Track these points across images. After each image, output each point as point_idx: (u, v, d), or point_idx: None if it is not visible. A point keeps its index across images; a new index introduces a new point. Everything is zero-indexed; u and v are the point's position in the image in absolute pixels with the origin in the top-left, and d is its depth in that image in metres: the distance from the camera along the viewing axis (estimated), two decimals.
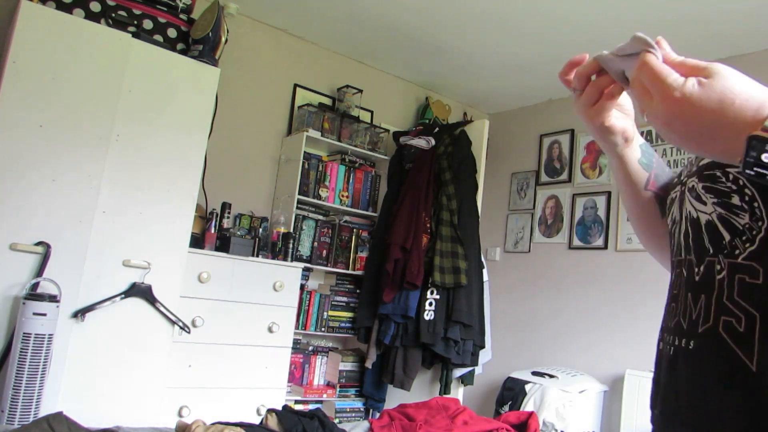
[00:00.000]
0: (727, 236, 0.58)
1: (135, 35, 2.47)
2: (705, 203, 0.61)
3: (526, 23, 3.19)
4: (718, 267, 0.58)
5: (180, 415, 2.59)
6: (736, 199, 0.57)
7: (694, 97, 0.45)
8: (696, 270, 0.61)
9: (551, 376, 3.37)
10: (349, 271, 3.59)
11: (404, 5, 3.16)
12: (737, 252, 0.56)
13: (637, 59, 0.50)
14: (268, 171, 3.52)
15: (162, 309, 2.44)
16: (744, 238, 0.56)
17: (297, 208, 3.36)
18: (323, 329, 3.46)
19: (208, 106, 2.66)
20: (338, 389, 3.47)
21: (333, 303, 3.52)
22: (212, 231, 2.86)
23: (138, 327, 2.40)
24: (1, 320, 2.10)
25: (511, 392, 3.36)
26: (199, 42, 2.65)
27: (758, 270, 0.54)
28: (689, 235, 0.63)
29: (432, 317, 3.18)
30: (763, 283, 0.53)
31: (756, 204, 0.56)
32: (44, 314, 2.03)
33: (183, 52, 2.66)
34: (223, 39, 2.72)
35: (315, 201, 3.46)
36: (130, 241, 2.39)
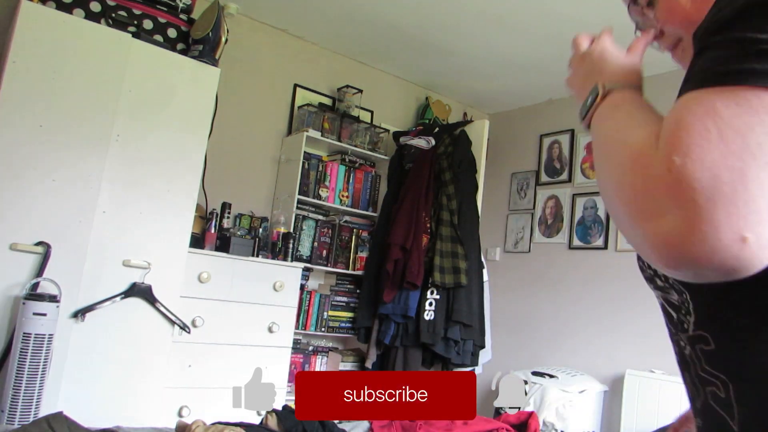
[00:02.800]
0: (674, 314, 0.60)
1: (135, 35, 2.47)
2: (657, 288, 0.64)
3: (526, 23, 3.19)
4: (682, 343, 0.60)
5: (180, 415, 2.59)
6: (659, 280, 0.60)
7: (588, 50, 0.65)
8: (676, 349, 0.64)
9: (551, 376, 3.37)
10: (349, 271, 3.59)
11: (404, 5, 3.16)
12: (686, 326, 0.58)
13: None
14: (268, 171, 3.52)
15: (162, 309, 2.44)
16: (683, 311, 0.58)
17: (297, 208, 3.36)
18: (323, 329, 3.46)
19: (208, 106, 2.66)
20: None
21: (333, 303, 3.52)
22: (212, 231, 2.86)
23: (138, 327, 2.40)
24: (1, 320, 2.10)
25: None
26: (199, 42, 2.65)
27: (706, 337, 0.56)
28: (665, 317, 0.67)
29: (432, 317, 3.18)
30: (716, 348, 0.55)
31: (670, 281, 0.58)
32: (44, 314, 2.02)
33: (183, 52, 2.65)
34: (223, 39, 2.72)
35: (315, 201, 3.46)
36: (130, 241, 2.39)
